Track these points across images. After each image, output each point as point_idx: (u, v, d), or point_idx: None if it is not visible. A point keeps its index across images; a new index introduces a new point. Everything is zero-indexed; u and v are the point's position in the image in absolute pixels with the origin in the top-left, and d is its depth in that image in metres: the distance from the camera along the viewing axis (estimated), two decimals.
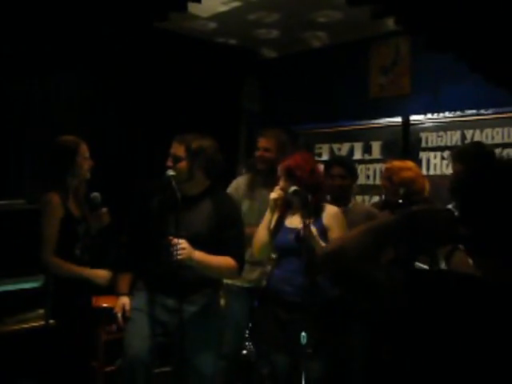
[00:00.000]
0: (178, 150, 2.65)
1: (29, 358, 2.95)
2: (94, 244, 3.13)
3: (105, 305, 3.56)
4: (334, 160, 3.67)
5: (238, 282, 3.40)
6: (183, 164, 2.63)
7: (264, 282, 3.35)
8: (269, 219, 2.84)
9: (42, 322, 3.02)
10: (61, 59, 3.73)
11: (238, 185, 3.52)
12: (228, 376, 3.42)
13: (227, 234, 2.66)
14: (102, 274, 3.00)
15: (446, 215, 1.23)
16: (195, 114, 4.62)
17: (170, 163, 2.66)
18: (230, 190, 3.46)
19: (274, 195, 2.82)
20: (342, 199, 3.32)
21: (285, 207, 2.90)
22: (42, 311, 3.18)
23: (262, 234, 2.84)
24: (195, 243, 2.55)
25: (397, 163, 3.60)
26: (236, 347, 3.49)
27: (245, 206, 3.40)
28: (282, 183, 2.85)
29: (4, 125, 3.97)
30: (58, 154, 2.98)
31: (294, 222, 2.87)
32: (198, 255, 2.56)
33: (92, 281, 2.99)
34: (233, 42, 5.06)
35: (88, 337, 3.13)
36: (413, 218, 1.21)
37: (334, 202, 3.33)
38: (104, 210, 3.13)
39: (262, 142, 3.48)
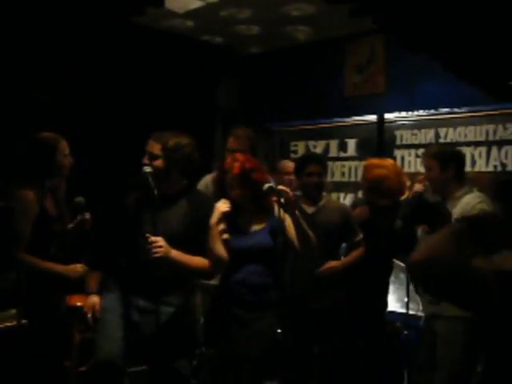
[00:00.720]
0: (155, 147, 2.59)
1: (0, 360, 2.88)
2: (69, 243, 3.08)
3: (79, 304, 3.42)
4: (312, 158, 3.64)
5: (214, 281, 3.38)
6: (159, 162, 2.58)
7: None
8: (218, 233, 2.66)
9: (14, 323, 2.94)
10: (35, 54, 3.67)
11: (206, 183, 3.42)
12: (208, 375, 3.39)
13: (203, 235, 2.62)
14: (73, 268, 2.94)
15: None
16: (171, 111, 4.56)
17: (146, 161, 2.61)
18: (199, 188, 3.28)
19: (223, 208, 2.67)
20: (316, 196, 3.36)
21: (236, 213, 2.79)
22: (13, 311, 3.09)
23: (220, 250, 2.65)
24: (170, 242, 2.51)
25: (374, 161, 3.68)
26: None
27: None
28: (237, 191, 2.75)
29: None
30: (37, 151, 2.92)
31: (254, 226, 2.84)
32: (175, 254, 2.53)
33: (64, 276, 2.93)
34: (209, 38, 5.02)
35: (61, 337, 3.07)
36: (477, 223, 1.32)
37: (307, 200, 3.36)
38: (87, 215, 3.07)
39: (233, 143, 3.36)
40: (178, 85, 4.78)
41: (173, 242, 2.52)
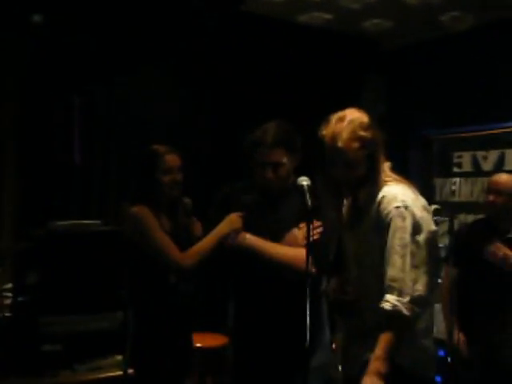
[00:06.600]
0: (278, 155, 2.52)
1: None
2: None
3: (198, 344, 3.33)
4: None
5: None
6: (284, 169, 2.53)
7: None
8: None
9: (119, 372, 2.94)
10: (143, 56, 3.67)
11: None
12: None
13: None
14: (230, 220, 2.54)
15: None
16: (306, 116, 4.17)
17: (270, 174, 2.50)
18: None
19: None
20: None
21: None
22: (119, 357, 3.11)
23: None
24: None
25: None
26: None
27: None
28: None
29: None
30: (141, 168, 2.79)
31: None
32: None
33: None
34: (349, 31, 4.74)
35: None
36: None
37: None
38: (194, 219, 2.82)
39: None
40: (315, 86, 4.60)
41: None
